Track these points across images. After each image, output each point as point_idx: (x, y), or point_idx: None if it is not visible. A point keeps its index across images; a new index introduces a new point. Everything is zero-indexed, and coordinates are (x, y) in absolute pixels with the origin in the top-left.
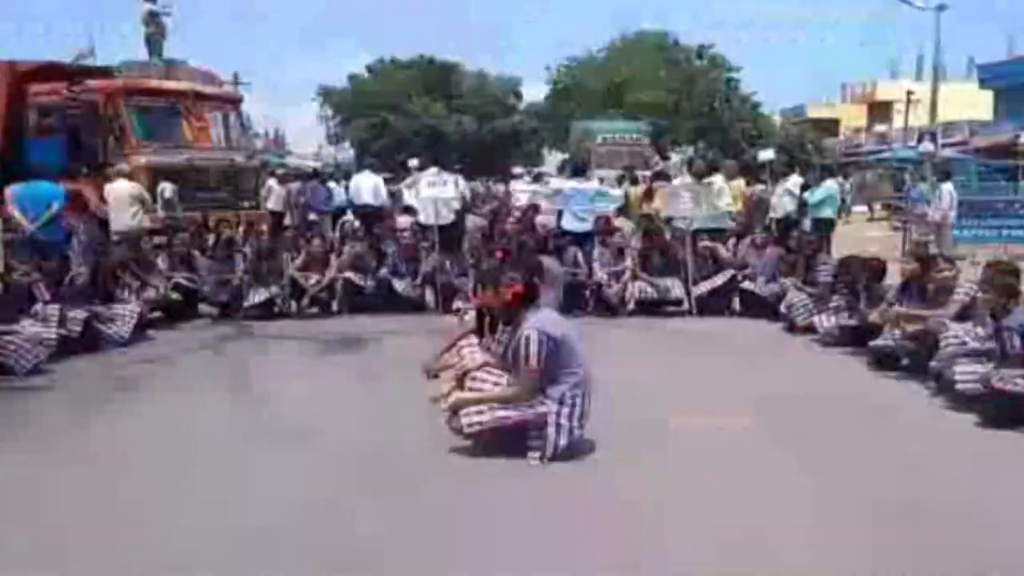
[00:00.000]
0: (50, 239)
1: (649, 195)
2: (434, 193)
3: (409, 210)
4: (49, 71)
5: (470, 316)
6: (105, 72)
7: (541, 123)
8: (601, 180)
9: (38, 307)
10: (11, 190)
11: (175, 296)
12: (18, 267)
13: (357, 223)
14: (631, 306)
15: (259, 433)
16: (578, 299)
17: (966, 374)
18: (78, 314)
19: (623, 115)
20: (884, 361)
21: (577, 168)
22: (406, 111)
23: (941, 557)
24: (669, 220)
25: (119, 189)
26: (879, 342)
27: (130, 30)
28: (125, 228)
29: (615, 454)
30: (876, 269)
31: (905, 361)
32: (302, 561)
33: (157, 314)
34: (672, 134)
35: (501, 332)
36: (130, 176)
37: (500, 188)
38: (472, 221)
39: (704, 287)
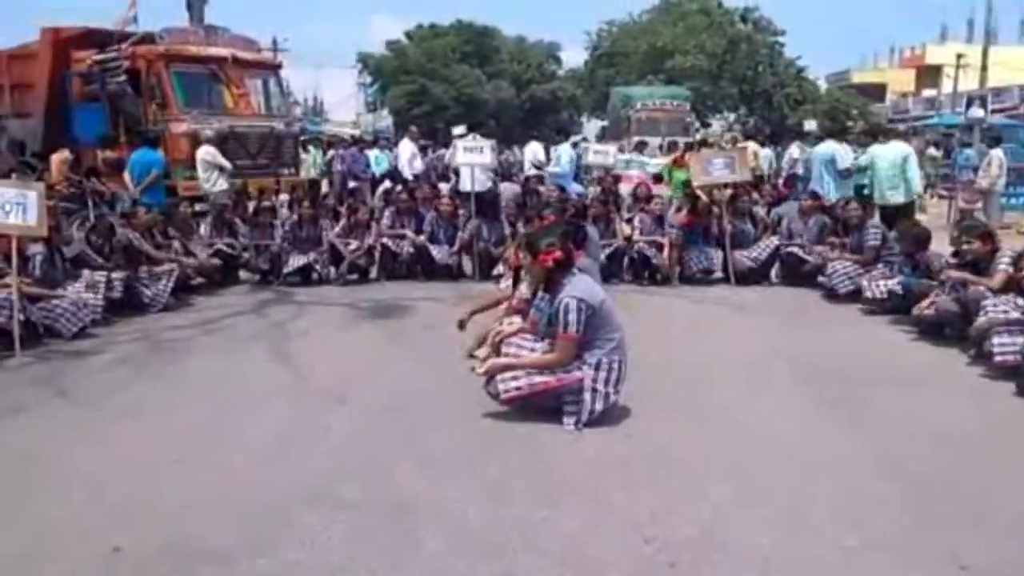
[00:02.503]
0: (151, 202)
1: (681, 163)
2: (470, 159)
3: (446, 178)
4: (92, 37)
5: (508, 283)
6: (147, 38)
7: (580, 89)
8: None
9: (86, 272)
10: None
11: (216, 262)
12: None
13: (399, 188)
14: (675, 281)
15: (296, 394)
16: (616, 267)
17: (1004, 346)
18: (119, 275)
19: (664, 81)
20: (926, 329)
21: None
22: (444, 77)
23: (966, 525)
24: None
25: (198, 154)
26: (922, 309)
27: None
28: (205, 192)
29: (651, 420)
30: (920, 237)
31: (948, 330)
32: (338, 517)
33: (199, 280)
34: (714, 100)
35: (540, 298)
36: (209, 141)
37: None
38: (506, 188)
39: (746, 258)
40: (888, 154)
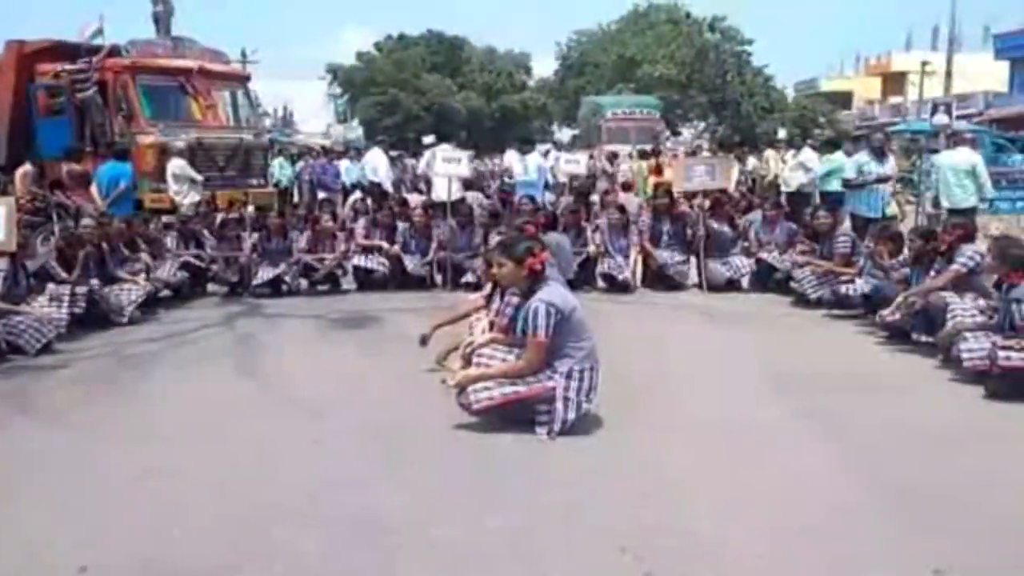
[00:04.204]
0: (119, 213)
1: (659, 169)
2: (449, 169)
3: (418, 188)
4: (58, 50)
5: (477, 293)
6: (113, 50)
7: (551, 99)
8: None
9: (51, 286)
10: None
11: (183, 274)
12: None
13: (368, 200)
14: (638, 283)
15: (267, 410)
16: (586, 275)
17: (972, 351)
18: (81, 290)
19: (633, 90)
20: (894, 334)
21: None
22: (414, 88)
23: (943, 530)
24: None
25: (169, 167)
26: (887, 316)
27: (138, 8)
28: (177, 204)
29: (624, 429)
30: (893, 240)
31: (915, 335)
32: (312, 535)
33: (165, 293)
34: (683, 109)
35: (506, 305)
36: (180, 153)
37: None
38: (474, 198)
39: (720, 268)
40: (954, 160)
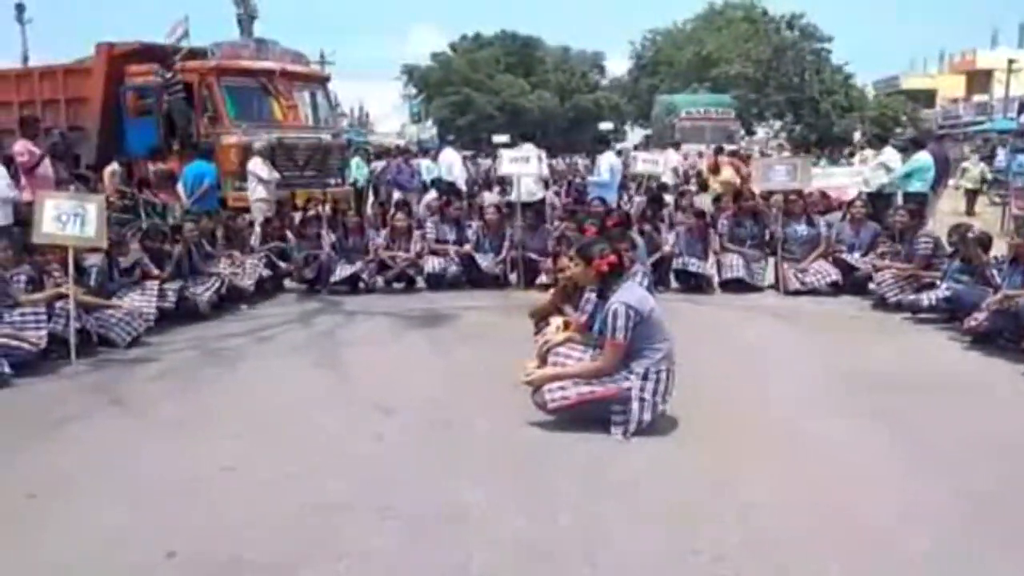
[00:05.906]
0: (203, 210)
1: (715, 168)
2: (516, 169)
3: (490, 187)
4: (145, 52)
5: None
6: (198, 53)
7: (624, 98)
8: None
9: (143, 282)
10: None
11: (265, 272)
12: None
13: (434, 197)
14: (716, 286)
15: (342, 406)
16: (661, 276)
17: None
18: (172, 285)
19: (709, 89)
20: (977, 339)
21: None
22: (488, 88)
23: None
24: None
25: (248, 166)
26: (971, 323)
27: (223, 11)
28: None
29: (700, 430)
30: (979, 241)
31: (1002, 340)
32: (385, 530)
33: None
34: (759, 108)
35: (586, 302)
36: (260, 153)
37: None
38: (549, 197)
39: (797, 277)
40: None
